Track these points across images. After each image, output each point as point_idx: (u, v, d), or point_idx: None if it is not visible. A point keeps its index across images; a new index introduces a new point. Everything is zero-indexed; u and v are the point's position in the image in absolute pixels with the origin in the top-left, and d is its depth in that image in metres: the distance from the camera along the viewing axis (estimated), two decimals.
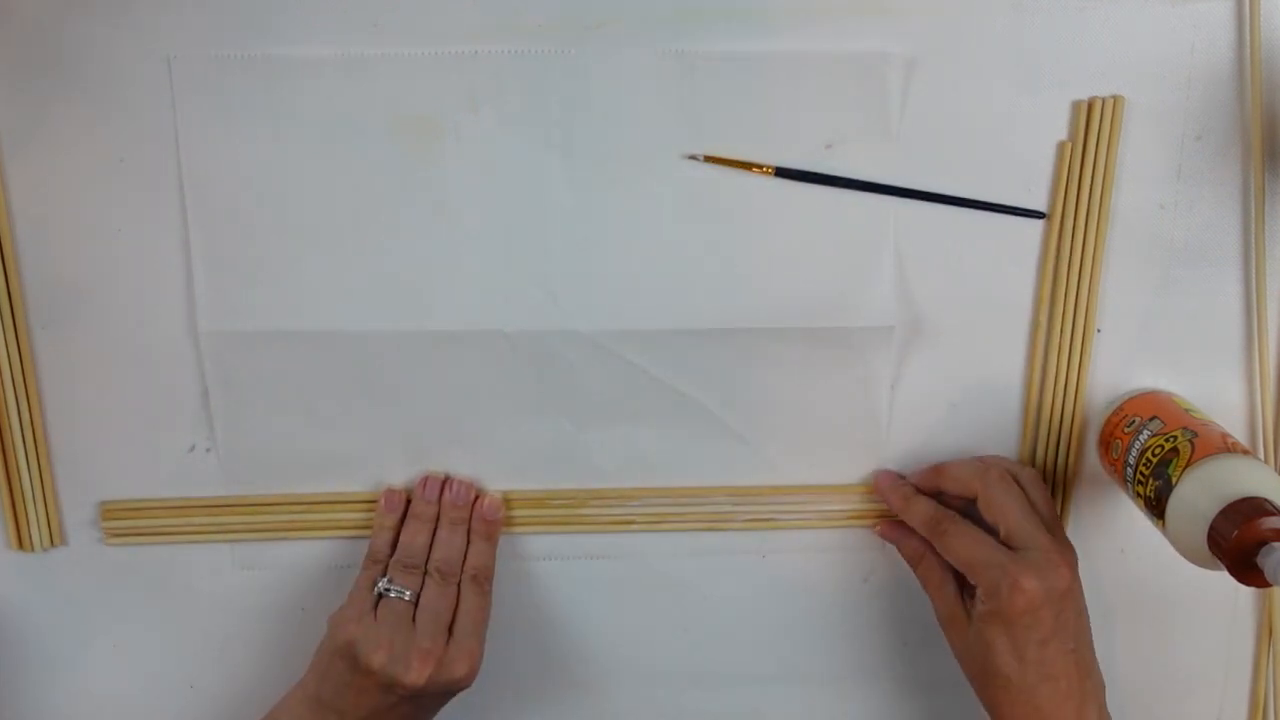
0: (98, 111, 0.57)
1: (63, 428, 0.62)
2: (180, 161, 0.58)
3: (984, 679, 0.57)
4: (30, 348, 0.60)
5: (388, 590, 0.58)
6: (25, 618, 0.65)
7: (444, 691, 0.58)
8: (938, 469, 0.61)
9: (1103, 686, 0.58)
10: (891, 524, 0.63)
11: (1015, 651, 0.55)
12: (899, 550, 0.63)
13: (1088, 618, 0.58)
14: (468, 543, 0.62)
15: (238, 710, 0.63)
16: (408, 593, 0.58)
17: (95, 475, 0.62)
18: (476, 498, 0.63)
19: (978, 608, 0.56)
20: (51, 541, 0.63)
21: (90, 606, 0.65)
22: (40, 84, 0.57)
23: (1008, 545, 0.56)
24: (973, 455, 0.63)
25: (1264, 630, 0.66)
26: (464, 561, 0.61)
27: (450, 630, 0.59)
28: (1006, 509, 0.57)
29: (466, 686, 0.59)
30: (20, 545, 0.63)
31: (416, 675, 0.56)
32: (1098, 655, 0.58)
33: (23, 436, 0.61)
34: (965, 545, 0.57)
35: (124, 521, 0.63)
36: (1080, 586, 0.57)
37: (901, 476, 0.63)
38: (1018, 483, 0.59)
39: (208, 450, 0.62)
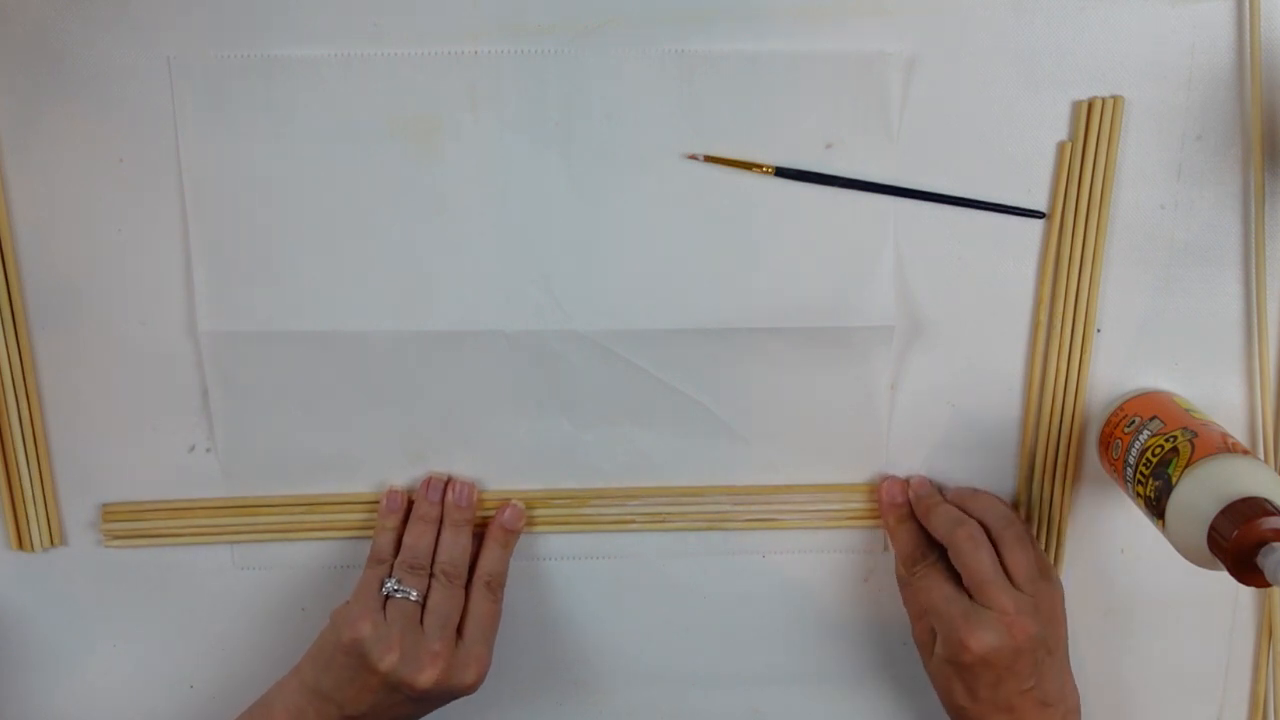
0: (98, 111, 0.57)
1: (63, 428, 0.62)
2: (180, 161, 0.58)
3: (945, 705, 0.59)
4: (30, 348, 0.60)
5: (395, 591, 0.58)
6: (25, 618, 0.65)
7: (449, 695, 0.58)
8: (927, 509, 0.61)
9: (1074, 709, 0.58)
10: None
11: (969, 691, 0.57)
12: (896, 569, 0.63)
13: (1060, 651, 0.58)
14: (472, 544, 0.62)
15: (237, 710, 0.63)
16: (414, 593, 0.58)
17: (95, 475, 0.62)
18: (499, 506, 0.63)
19: (936, 648, 0.58)
20: (51, 542, 0.63)
21: (90, 606, 0.65)
22: (40, 84, 0.57)
23: (973, 596, 0.57)
24: (973, 448, 0.63)
25: (1264, 630, 0.66)
26: (475, 565, 0.62)
27: (459, 633, 0.59)
28: (970, 568, 0.57)
29: (472, 692, 0.59)
30: (20, 545, 0.63)
31: (427, 678, 0.56)
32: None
33: (23, 436, 0.61)
34: (929, 592, 0.58)
35: (124, 524, 0.63)
36: (1055, 627, 0.58)
37: (907, 482, 0.63)
38: (995, 538, 0.58)
39: (208, 450, 0.62)
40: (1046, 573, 0.59)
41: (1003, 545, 0.58)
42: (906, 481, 0.63)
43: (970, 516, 0.60)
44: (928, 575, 0.59)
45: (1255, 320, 0.61)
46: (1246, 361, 0.62)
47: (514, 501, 0.63)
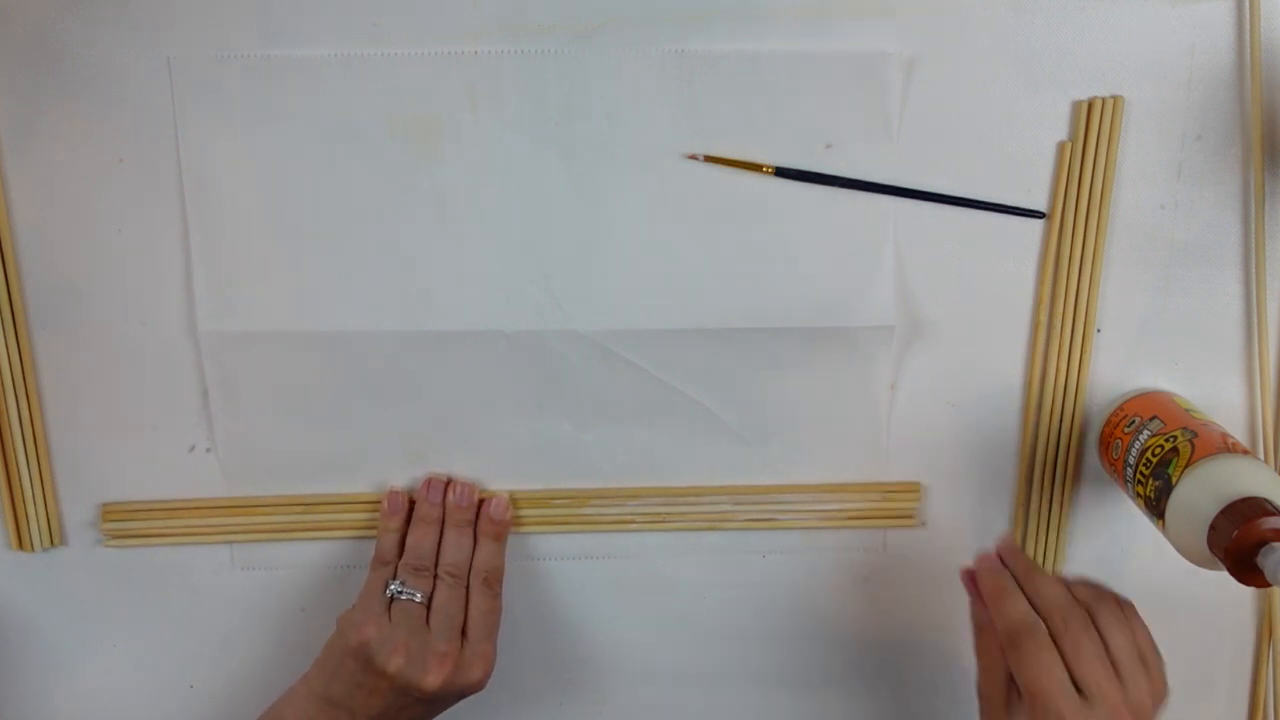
0: (98, 111, 0.57)
1: (63, 428, 0.62)
2: (180, 161, 0.58)
3: None
4: (30, 348, 0.60)
5: (400, 593, 0.58)
6: (25, 618, 0.65)
7: (458, 694, 0.58)
8: (1028, 574, 0.56)
9: None
10: (970, 572, 0.58)
11: None
12: (970, 607, 0.58)
13: None
14: (475, 544, 0.62)
15: (238, 710, 0.63)
16: (419, 595, 0.59)
17: (95, 475, 0.62)
18: (483, 499, 0.63)
19: None
20: (51, 541, 0.63)
21: (90, 606, 0.65)
22: (40, 84, 0.57)
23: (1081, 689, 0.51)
24: (973, 448, 0.63)
25: (1264, 630, 0.66)
26: (472, 562, 0.61)
27: (464, 633, 0.59)
28: (1076, 656, 0.52)
29: (480, 689, 0.59)
30: (20, 545, 0.63)
31: (434, 679, 0.56)
32: None
33: (23, 436, 0.61)
34: (1033, 672, 0.52)
35: (124, 523, 0.63)
36: None
37: (1007, 556, 0.58)
38: (1098, 622, 0.53)
39: (208, 450, 0.62)
40: (1148, 668, 0.53)
41: (1101, 629, 0.53)
42: (990, 558, 0.58)
43: (1061, 598, 0.54)
44: (1033, 653, 0.52)
45: (1255, 320, 0.61)
46: (1246, 361, 0.62)
47: (498, 493, 0.63)
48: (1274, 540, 0.48)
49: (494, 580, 0.61)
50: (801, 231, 0.59)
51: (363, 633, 0.56)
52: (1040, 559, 0.65)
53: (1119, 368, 0.62)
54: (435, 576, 0.60)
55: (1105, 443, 0.61)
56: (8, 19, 0.56)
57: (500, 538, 0.62)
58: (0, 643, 0.65)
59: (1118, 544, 0.65)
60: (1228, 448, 0.53)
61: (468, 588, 0.61)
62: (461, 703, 0.60)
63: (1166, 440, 0.56)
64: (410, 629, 0.57)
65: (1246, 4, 0.56)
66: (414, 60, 0.57)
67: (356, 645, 0.56)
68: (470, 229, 0.59)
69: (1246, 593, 0.66)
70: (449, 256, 0.59)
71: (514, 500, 0.63)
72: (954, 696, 0.67)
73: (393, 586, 0.59)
